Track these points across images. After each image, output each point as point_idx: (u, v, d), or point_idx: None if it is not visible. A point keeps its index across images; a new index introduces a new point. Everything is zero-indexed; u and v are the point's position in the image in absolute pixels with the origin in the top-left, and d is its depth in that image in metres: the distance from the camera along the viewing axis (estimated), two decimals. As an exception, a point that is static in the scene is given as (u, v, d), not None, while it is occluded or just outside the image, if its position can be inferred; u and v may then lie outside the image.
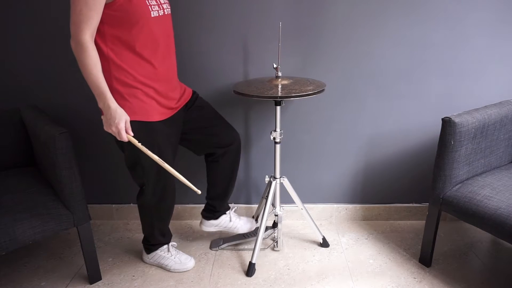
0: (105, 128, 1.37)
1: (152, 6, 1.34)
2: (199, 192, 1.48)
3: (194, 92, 1.67)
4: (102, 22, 1.29)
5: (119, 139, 1.37)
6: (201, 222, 1.87)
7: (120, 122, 1.33)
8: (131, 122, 1.39)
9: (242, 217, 1.91)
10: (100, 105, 1.34)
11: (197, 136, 1.66)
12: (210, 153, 1.72)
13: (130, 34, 1.32)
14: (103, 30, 1.31)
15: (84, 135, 2.01)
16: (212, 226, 1.86)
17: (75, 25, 1.24)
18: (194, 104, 1.64)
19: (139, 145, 1.37)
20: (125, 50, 1.34)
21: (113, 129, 1.34)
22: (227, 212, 1.87)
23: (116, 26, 1.30)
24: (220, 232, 2.00)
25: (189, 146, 1.71)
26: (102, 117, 1.37)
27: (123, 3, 1.27)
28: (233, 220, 1.87)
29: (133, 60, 1.36)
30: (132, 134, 1.38)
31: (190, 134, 1.65)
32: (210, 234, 2.02)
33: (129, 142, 1.39)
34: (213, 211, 1.83)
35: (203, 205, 1.85)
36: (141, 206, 1.65)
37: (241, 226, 1.88)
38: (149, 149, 1.42)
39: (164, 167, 1.42)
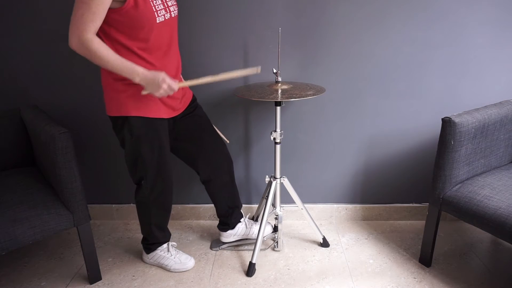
0: (157, 95, 1.33)
1: (159, 12, 1.33)
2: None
3: (194, 98, 1.67)
4: (109, 25, 1.30)
5: (171, 93, 1.34)
6: (220, 235, 1.89)
7: (165, 79, 1.29)
8: (136, 117, 1.41)
9: (257, 222, 1.91)
10: (137, 80, 1.30)
11: (186, 144, 1.65)
12: (199, 171, 1.71)
13: (135, 39, 1.33)
14: (109, 32, 1.32)
15: (84, 135, 2.01)
16: (230, 236, 1.87)
17: (75, 26, 1.24)
18: (193, 113, 1.63)
19: (194, 82, 1.38)
20: (130, 53, 1.35)
21: (162, 91, 1.31)
22: (242, 219, 1.88)
23: (122, 31, 1.31)
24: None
25: (178, 154, 1.70)
26: (142, 92, 1.34)
27: (130, 9, 1.27)
28: (249, 227, 1.88)
29: (137, 63, 1.36)
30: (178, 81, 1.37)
31: (181, 141, 1.64)
32: (210, 234, 2.02)
33: (130, 137, 1.44)
34: (227, 224, 1.85)
35: (204, 205, 1.86)
36: (139, 202, 1.64)
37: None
38: (151, 145, 1.46)
39: (218, 78, 1.38)
